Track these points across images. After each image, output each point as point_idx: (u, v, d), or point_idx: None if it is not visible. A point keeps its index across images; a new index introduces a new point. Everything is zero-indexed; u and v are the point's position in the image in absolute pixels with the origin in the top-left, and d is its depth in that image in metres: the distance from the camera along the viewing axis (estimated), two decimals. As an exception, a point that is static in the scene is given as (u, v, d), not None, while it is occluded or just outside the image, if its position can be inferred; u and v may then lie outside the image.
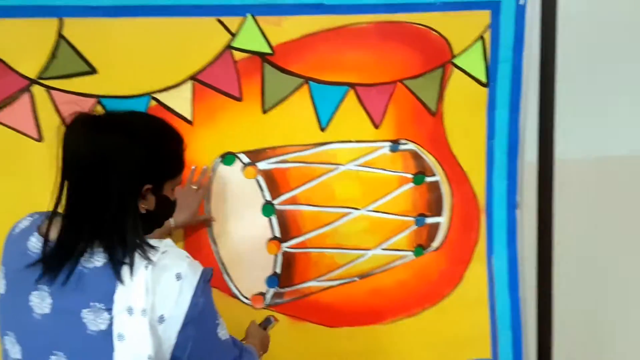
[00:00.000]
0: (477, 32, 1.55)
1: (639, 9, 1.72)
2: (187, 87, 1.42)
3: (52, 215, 1.01)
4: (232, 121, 1.47)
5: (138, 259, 0.96)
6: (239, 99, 1.46)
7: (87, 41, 1.34)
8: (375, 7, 1.48)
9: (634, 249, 1.92)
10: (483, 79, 1.58)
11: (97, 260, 0.97)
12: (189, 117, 1.44)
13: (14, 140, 1.35)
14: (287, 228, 1.52)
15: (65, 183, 1.01)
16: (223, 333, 1.05)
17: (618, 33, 1.71)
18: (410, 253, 1.60)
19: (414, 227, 1.60)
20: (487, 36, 1.56)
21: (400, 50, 1.53)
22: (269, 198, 1.51)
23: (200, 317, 0.98)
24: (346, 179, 1.54)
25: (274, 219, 1.52)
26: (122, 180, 0.98)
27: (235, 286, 1.52)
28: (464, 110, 1.59)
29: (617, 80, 1.72)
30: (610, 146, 1.77)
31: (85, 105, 1.36)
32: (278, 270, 1.53)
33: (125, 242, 0.97)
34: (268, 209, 1.51)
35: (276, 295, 1.54)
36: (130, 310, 0.94)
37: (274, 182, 1.51)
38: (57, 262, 0.96)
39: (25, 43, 1.32)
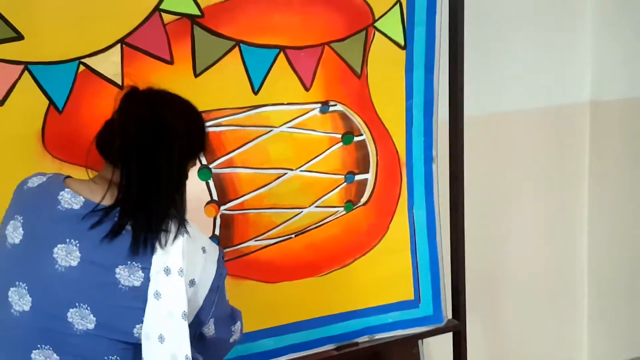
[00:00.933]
0: (396, -4, 1.65)
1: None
2: (116, 50, 1.39)
3: (110, 185, 1.07)
4: (164, 85, 1.43)
5: (177, 228, 1.07)
6: (170, 62, 1.46)
7: (12, 6, 1.26)
8: (302, -30, 1.53)
9: (522, 191, 2.20)
10: (402, 41, 1.70)
11: None
12: (118, 81, 1.42)
13: None
14: (224, 191, 1.57)
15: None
16: (226, 296, 1.22)
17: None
18: (341, 209, 1.72)
19: (344, 185, 1.71)
20: (404, 0, 1.67)
21: (326, 13, 1.60)
22: (205, 162, 1.54)
23: (222, 285, 1.16)
24: (280, 140, 1.61)
25: (210, 182, 1.55)
26: (183, 153, 1.07)
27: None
28: (386, 72, 1.70)
29: (511, 44, 1.93)
30: (502, 103, 1.99)
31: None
32: (217, 232, 1.58)
33: (170, 213, 1.06)
34: (205, 172, 1.54)
35: (216, 256, 1.59)
36: (167, 271, 1.02)
37: (209, 146, 1.53)
38: (118, 227, 1.02)
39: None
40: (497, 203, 2.27)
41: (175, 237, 1.06)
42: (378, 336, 1.82)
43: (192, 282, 1.08)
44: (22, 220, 1.06)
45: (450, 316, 1.92)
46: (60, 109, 1.37)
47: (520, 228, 2.38)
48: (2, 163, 1.31)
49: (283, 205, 1.63)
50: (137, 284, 1.03)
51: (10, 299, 1.04)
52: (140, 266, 1.04)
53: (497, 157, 2.20)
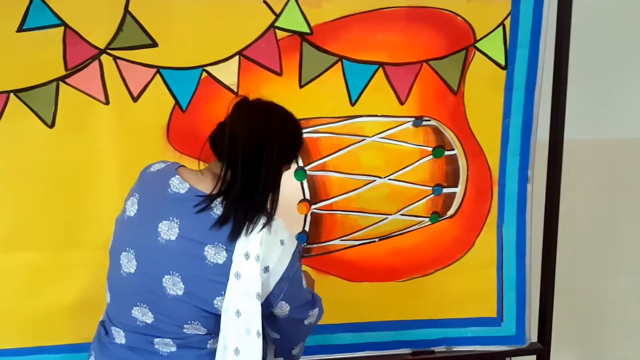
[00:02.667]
0: (499, 19, 1.73)
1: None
2: (235, 61, 1.63)
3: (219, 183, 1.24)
4: (272, 94, 1.63)
5: (262, 221, 1.23)
6: (279, 74, 1.67)
7: (150, 17, 1.55)
8: (406, -8, 1.66)
9: (633, 224, 2.11)
10: (502, 62, 1.76)
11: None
12: (234, 88, 1.65)
13: (83, 102, 1.57)
14: (316, 191, 1.74)
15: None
16: (304, 284, 1.35)
17: (629, 22, 1.87)
18: (426, 219, 1.81)
19: (431, 196, 1.80)
20: (508, 23, 1.74)
21: (427, 33, 1.72)
22: (301, 164, 1.73)
23: (293, 276, 1.28)
24: (371, 149, 1.75)
25: (305, 183, 1.74)
26: (281, 157, 1.25)
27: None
28: (484, 91, 1.77)
29: (626, 66, 1.88)
30: (616, 129, 1.95)
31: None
32: (307, 229, 1.76)
33: (265, 207, 1.24)
34: (300, 173, 1.73)
35: (304, 250, 1.77)
36: (247, 255, 1.21)
37: (306, 150, 1.72)
38: (225, 215, 1.22)
39: (97, 16, 1.53)
40: (600, 230, 2.21)
41: (258, 227, 1.22)
42: (456, 348, 1.88)
43: (266, 269, 1.23)
44: (138, 197, 1.27)
45: (535, 339, 1.92)
46: (184, 109, 1.63)
47: (629, 259, 2.28)
48: (133, 150, 1.60)
49: (369, 210, 1.77)
50: (220, 262, 1.20)
51: (121, 262, 1.26)
52: (224, 247, 1.20)
53: (602, 184, 2.14)
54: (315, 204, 1.75)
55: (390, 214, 1.79)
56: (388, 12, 1.67)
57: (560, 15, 1.77)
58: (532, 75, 1.78)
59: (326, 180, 1.74)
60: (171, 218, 1.23)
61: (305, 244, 1.77)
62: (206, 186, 1.25)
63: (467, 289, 1.86)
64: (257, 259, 1.20)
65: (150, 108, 1.60)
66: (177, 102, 1.62)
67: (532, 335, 1.91)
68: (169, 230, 1.23)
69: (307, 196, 1.74)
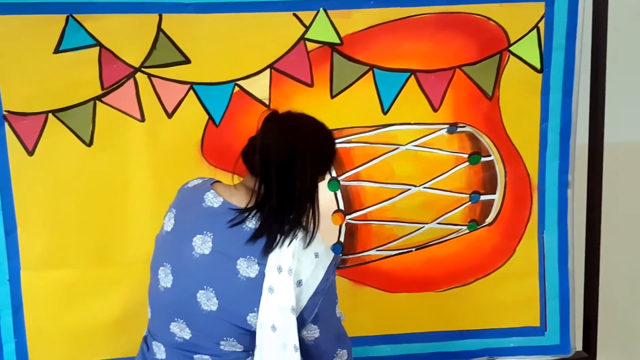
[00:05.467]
0: (533, 22, 1.72)
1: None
2: (266, 74, 1.66)
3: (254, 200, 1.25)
4: (303, 105, 1.66)
5: (295, 234, 1.23)
6: (310, 85, 1.69)
7: (182, 35, 1.60)
8: (435, -1, 1.67)
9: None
10: (538, 65, 1.75)
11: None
12: (266, 101, 1.68)
13: (119, 120, 1.63)
14: (350, 202, 1.75)
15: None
16: (338, 311, 1.32)
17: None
18: (464, 227, 1.81)
19: (469, 204, 1.80)
20: (542, 25, 1.73)
21: (459, 39, 1.72)
22: (334, 174, 1.74)
23: (328, 290, 1.25)
24: (405, 158, 1.76)
25: (338, 193, 1.75)
26: (314, 169, 1.24)
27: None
28: (519, 95, 1.76)
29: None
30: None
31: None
32: (342, 239, 1.77)
33: (298, 221, 1.24)
34: (334, 184, 1.75)
35: (340, 261, 1.78)
36: (279, 269, 1.21)
37: (339, 160, 1.74)
38: (261, 230, 1.23)
39: (130, 36, 1.58)
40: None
41: (290, 240, 1.22)
42: (498, 359, 1.86)
43: (299, 283, 1.22)
44: (175, 213, 1.31)
45: (580, 348, 1.89)
46: (217, 123, 1.67)
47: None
48: (168, 166, 1.64)
49: (405, 219, 1.77)
50: (253, 275, 1.20)
51: (159, 276, 1.28)
52: (256, 261, 1.21)
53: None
54: (350, 214, 1.76)
55: (427, 223, 1.79)
56: (417, 19, 1.68)
57: (596, 15, 1.75)
58: (569, 77, 1.76)
59: (360, 190, 1.76)
60: (205, 232, 1.25)
61: (340, 254, 1.78)
62: (239, 200, 1.27)
63: (508, 298, 1.84)
64: (290, 272, 1.20)
65: (185, 124, 1.64)
66: (210, 117, 1.66)
67: (577, 344, 1.88)
68: (202, 245, 1.25)
69: (341, 207, 1.76)
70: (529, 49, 1.74)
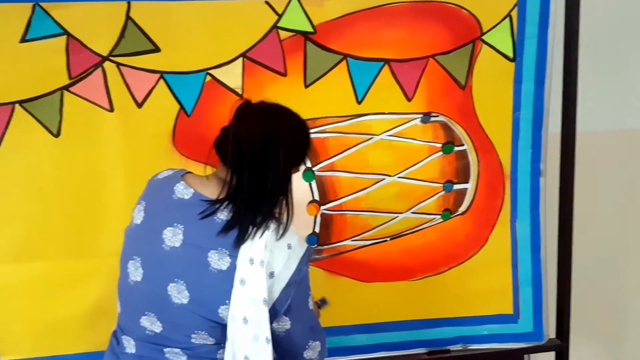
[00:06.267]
0: (505, 10, 1.72)
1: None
2: (238, 63, 1.64)
3: (227, 189, 1.23)
4: (277, 95, 1.64)
5: (267, 225, 1.22)
6: (283, 75, 1.67)
7: (152, 22, 1.57)
8: (409, -13, 1.66)
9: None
10: (510, 54, 1.76)
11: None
12: (239, 91, 1.66)
13: (88, 110, 1.59)
14: (325, 192, 1.75)
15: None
16: (311, 303, 1.31)
17: (639, 8, 1.86)
18: (438, 217, 1.82)
19: (442, 193, 1.80)
20: (515, 14, 1.73)
21: (432, 28, 1.72)
22: (309, 165, 1.73)
23: (301, 281, 1.25)
24: (380, 147, 1.75)
25: (313, 183, 1.74)
26: (288, 160, 1.23)
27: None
28: (492, 84, 1.77)
29: (638, 53, 1.87)
30: (630, 119, 1.93)
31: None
32: (317, 230, 1.77)
33: (274, 212, 1.23)
34: (309, 174, 1.74)
35: (315, 252, 1.78)
36: (251, 261, 1.20)
37: (314, 150, 1.73)
38: (232, 222, 1.21)
39: (98, 24, 1.55)
40: (616, 221, 2.19)
41: (263, 232, 1.21)
42: (472, 347, 1.88)
43: (271, 274, 1.21)
44: (144, 205, 1.29)
45: (553, 335, 1.91)
46: (189, 113, 1.65)
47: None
48: (139, 157, 1.62)
49: (380, 209, 1.77)
50: (224, 268, 1.19)
51: (128, 270, 1.26)
52: (228, 253, 1.20)
53: (617, 175, 2.13)
54: (325, 204, 1.75)
55: (401, 213, 1.79)
56: (392, 7, 1.67)
57: (568, 3, 1.76)
58: (542, 66, 1.77)
59: (335, 181, 1.75)
60: (175, 224, 1.24)
61: (316, 245, 1.78)
62: (211, 191, 1.25)
63: (482, 286, 1.86)
64: (262, 264, 1.19)
65: (155, 113, 1.62)
66: (181, 107, 1.64)
67: (550, 331, 1.91)
68: (173, 237, 1.23)
69: (317, 197, 1.75)
70: (501, 38, 1.75)
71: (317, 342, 1.32)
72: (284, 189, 1.25)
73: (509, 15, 1.73)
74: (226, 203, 1.23)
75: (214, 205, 1.23)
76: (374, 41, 1.69)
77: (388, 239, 1.80)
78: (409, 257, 1.81)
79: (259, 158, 1.20)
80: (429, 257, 1.83)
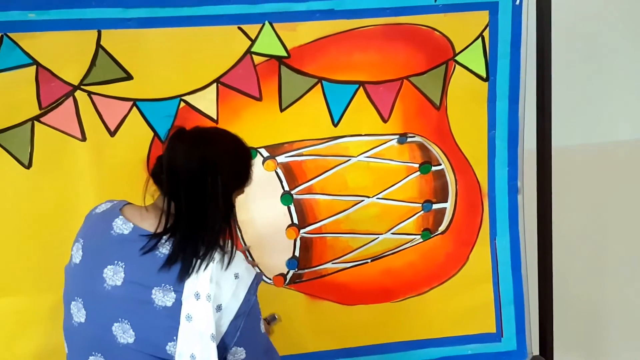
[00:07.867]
0: (477, 31, 1.73)
1: (626, 4, 1.89)
2: (212, 89, 1.62)
3: (164, 216, 1.19)
4: (253, 119, 1.67)
5: (212, 256, 1.17)
6: (258, 99, 1.66)
7: (123, 50, 1.55)
8: (381, 10, 1.67)
9: (627, 228, 2.10)
10: (483, 74, 1.76)
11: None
12: (214, 116, 1.64)
13: (59, 140, 1.56)
14: (304, 215, 1.73)
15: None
16: (262, 327, 1.26)
17: (608, 26, 1.89)
18: (418, 237, 1.80)
19: (421, 213, 1.79)
20: (487, 34, 1.74)
21: (406, 50, 1.72)
22: (287, 188, 1.71)
23: (250, 311, 1.20)
24: (357, 169, 1.74)
25: (292, 207, 1.72)
26: (227, 185, 1.19)
27: (259, 268, 1.73)
28: (467, 104, 1.77)
29: (609, 69, 1.90)
30: (605, 133, 1.95)
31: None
32: (297, 254, 1.74)
33: (213, 242, 1.18)
34: (287, 198, 1.72)
35: (295, 275, 1.75)
36: (197, 295, 1.15)
37: (291, 174, 1.71)
38: (174, 256, 1.16)
39: (68, 53, 1.53)
40: (594, 235, 2.20)
41: (207, 263, 1.15)
42: (456, 367, 1.86)
43: (219, 307, 1.16)
44: (82, 243, 1.23)
45: (537, 352, 1.90)
46: (163, 140, 1.62)
47: (626, 264, 2.27)
48: (113, 186, 1.58)
49: (360, 231, 1.76)
50: (169, 304, 1.14)
51: (71, 311, 1.22)
52: (172, 288, 1.15)
53: (594, 188, 2.14)
54: (304, 228, 1.73)
55: (381, 234, 1.77)
56: (364, 30, 1.67)
57: (540, 21, 1.78)
58: (515, 85, 1.78)
59: (313, 204, 1.73)
60: (116, 262, 1.19)
61: (296, 269, 1.75)
62: (151, 224, 1.20)
63: (464, 305, 1.84)
64: (209, 298, 1.14)
65: (129, 141, 1.59)
66: (155, 134, 1.61)
67: (534, 348, 1.89)
68: (114, 276, 1.18)
69: (295, 221, 1.73)
70: (474, 58, 1.76)
71: None
72: (226, 216, 1.21)
73: (481, 35, 1.74)
74: (167, 236, 1.18)
75: (154, 239, 1.18)
76: (348, 64, 1.69)
77: (369, 260, 1.78)
78: (390, 279, 1.80)
79: (195, 185, 1.16)
80: (410, 277, 1.81)
